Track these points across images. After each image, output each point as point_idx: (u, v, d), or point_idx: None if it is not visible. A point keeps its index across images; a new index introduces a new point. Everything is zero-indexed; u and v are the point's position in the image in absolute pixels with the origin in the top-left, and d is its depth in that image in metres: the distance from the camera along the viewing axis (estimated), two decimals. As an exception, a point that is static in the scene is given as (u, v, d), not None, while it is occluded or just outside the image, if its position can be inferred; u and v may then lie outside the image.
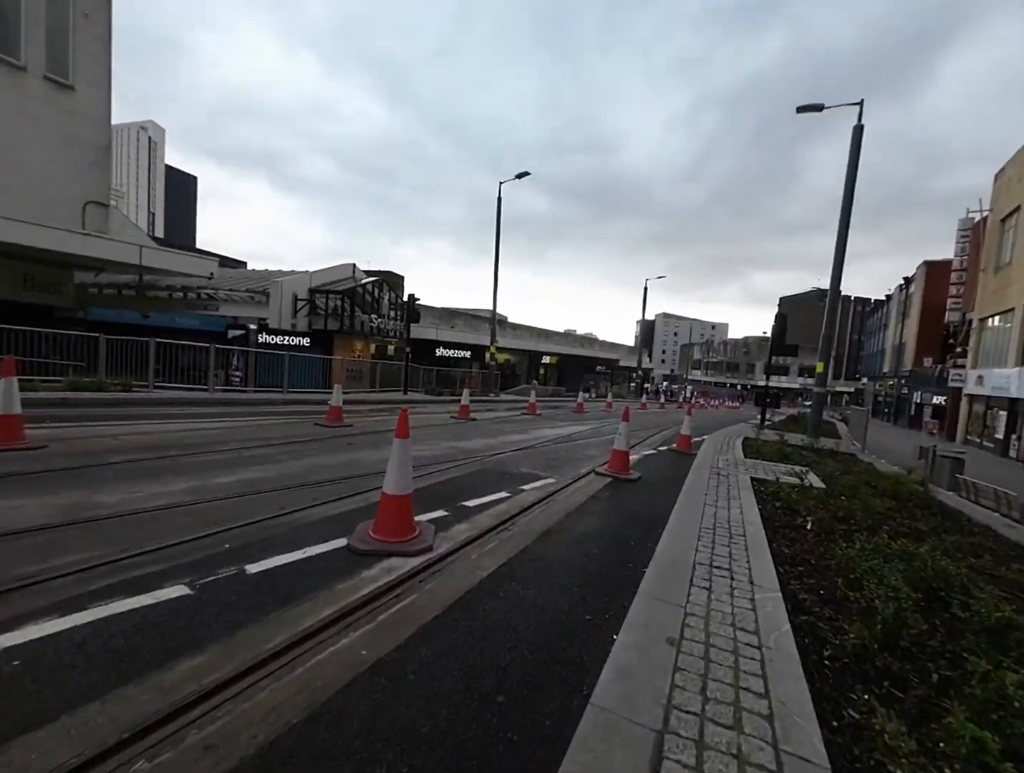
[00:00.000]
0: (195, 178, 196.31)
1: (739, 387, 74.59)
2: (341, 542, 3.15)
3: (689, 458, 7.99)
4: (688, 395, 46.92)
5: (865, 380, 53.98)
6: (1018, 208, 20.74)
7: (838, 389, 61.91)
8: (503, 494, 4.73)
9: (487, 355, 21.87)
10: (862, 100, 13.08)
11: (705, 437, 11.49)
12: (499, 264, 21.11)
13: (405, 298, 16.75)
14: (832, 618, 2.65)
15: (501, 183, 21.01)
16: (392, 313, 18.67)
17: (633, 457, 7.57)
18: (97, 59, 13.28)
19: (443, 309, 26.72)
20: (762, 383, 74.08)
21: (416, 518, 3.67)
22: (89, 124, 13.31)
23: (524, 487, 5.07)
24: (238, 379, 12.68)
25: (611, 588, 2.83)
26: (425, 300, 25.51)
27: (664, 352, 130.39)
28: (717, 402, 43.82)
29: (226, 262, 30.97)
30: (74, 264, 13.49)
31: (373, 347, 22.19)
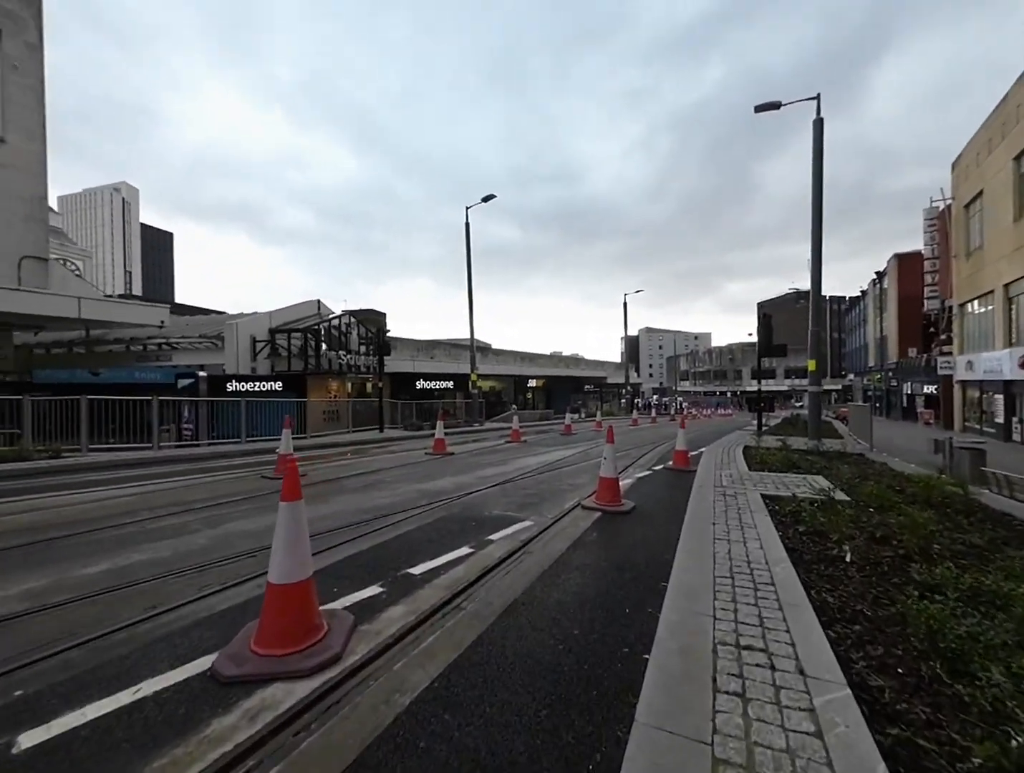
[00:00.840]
0: (171, 235, 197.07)
1: (729, 394, 74.54)
2: (208, 661, 2.17)
3: (688, 476, 7.11)
4: (679, 407, 46.40)
5: (851, 376, 54.06)
6: (980, 193, 20.91)
7: (826, 387, 61.96)
8: (464, 550, 3.78)
9: (470, 383, 21.00)
10: (818, 94, 12.95)
11: (703, 450, 10.64)
12: (473, 290, 20.55)
13: (386, 331, 15.98)
14: (933, 724, 1.74)
15: (468, 208, 20.71)
16: (364, 348, 17.80)
17: (626, 482, 6.67)
18: (29, 110, 12.67)
19: (421, 341, 25.97)
20: (751, 388, 74.24)
21: (330, 605, 2.71)
22: (22, 176, 12.58)
23: (493, 537, 4.12)
24: (189, 433, 11.60)
25: (597, 706, 1.89)
26: (408, 333, 24.74)
27: (651, 366, 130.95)
28: (709, 411, 43.26)
29: (184, 310, 30.06)
30: (9, 322, 12.50)
31: (349, 386, 21.22)
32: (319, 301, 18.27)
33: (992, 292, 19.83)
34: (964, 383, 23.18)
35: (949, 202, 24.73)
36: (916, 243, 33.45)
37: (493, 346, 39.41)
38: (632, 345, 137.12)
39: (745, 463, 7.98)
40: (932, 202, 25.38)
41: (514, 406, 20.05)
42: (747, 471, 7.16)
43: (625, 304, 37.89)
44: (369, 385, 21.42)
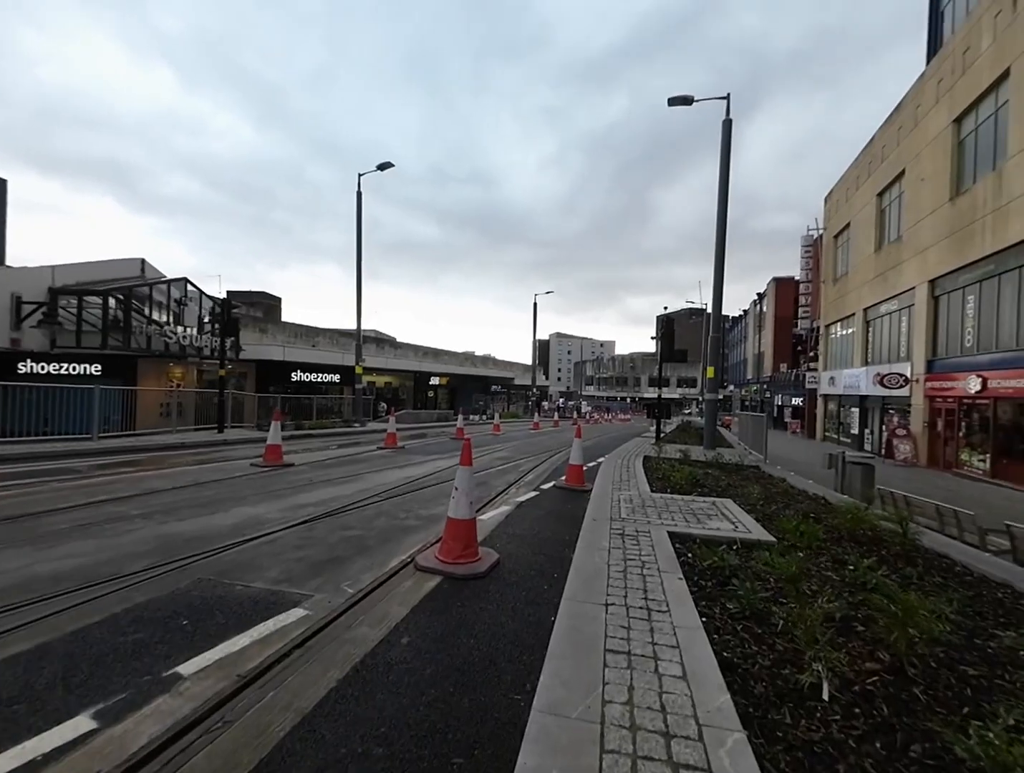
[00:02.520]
0: (3, 181, 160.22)
1: (629, 400, 78.61)
2: None
3: (582, 499, 5.66)
4: (581, 411, 47.09)
5: (732, 387, 59.48)
6: (847, 225, 23.17)
7: (705, 397, 67.74)
8: (66, 732, 1.72)
9: (355, 376, 18.26)
10: (728, 95, 12.70)
11: (602, 459, 9.47)
12: (362, 270, 17.88)
13: (234, 306, 12.71)
14: None
15: (361, 175, 18.00)
16: (212, 326, 14.28)
17: (500, 511, 4.98)
18: None
19: (301, 326, 22.43)
20: (648, 395, 78.94)
21: None
22: None
23: (187, 669, 2.09)
24: None
25: None
26: (304, 320, 21.32)
27: (560, 370, 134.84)
28: (610, 416, 44.44)
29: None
30: None
31: (196, 373, 17.28)
32: (143, 260, 14.19)
33: (853, 315, 21.96)
34: (826, 397, 25.67)
35: (821, 232, 27.38)
36: (781, 271, 37.18)
37: (398, 339, 36.44)
38: (543, 349, 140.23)
39: (646, 480, 6.78)
40: (808, 231, 28.03)
41: (383, 404, 17.67)
42: (649, 493, 5.89)
43: (535, 305, 37.29)
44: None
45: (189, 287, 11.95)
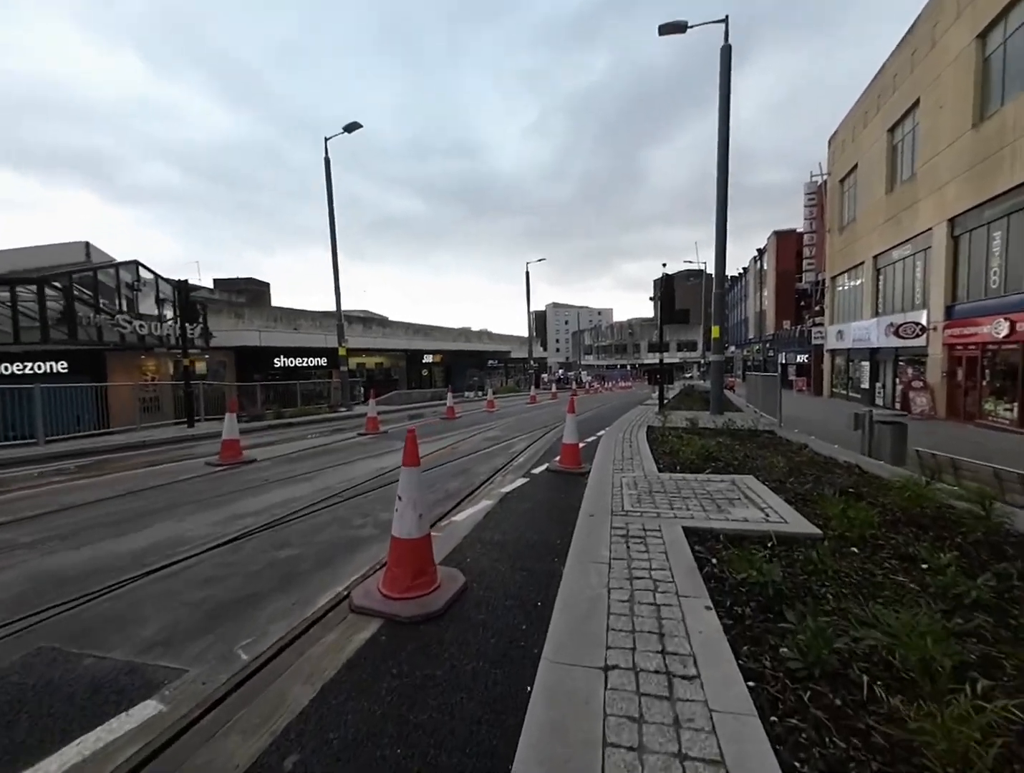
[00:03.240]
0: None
1: (629, 367, 77.75)
2: None
3: (577, 485, 4.84)
4: (580, 380, 46.24)
5: (733, 348, 58.41)
6: (854, 167, 21.66)
7: (710, 358, 66.77)
8: None
9: (339, 358, 17.29)
10: (727, 17, 11.27)
11: (601, 433, 8.63)
12: (337, 243, 16.64)
13: (193, 289, 11.65)
14: None
15: (327, 139, 16.54)
16: (172, 313, 13.16)
17: (482, 507, 4.15)
18: None
19: (281, 309, 21.31)
20: (648, 361, 77.90)
21: None
22: None
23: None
24: None
25: None
26: (294, 304, 20.30)
27: (558, 341, 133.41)
28: (611, 384, 43.64)
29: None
30: None
31: (171, 365, 16.35)
32: (87, 244, 12.96)
33: (863, 263, 20.75)
34: (833, 352, 24.70)
35: (826, 177, 25.80)
36: (778, 227, 35.51)
37: (390, 318, 35.28)
38: (540, 320, 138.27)
39: (652, 457, 5.93)
40: (811, 177, 26.41)
41: (360, 387, 16.73)
42: (656, 473, 5.05)
43: (528, 274, 35.89)
44: (202, 363, 16.76)
45: (142, 271, 10.89)
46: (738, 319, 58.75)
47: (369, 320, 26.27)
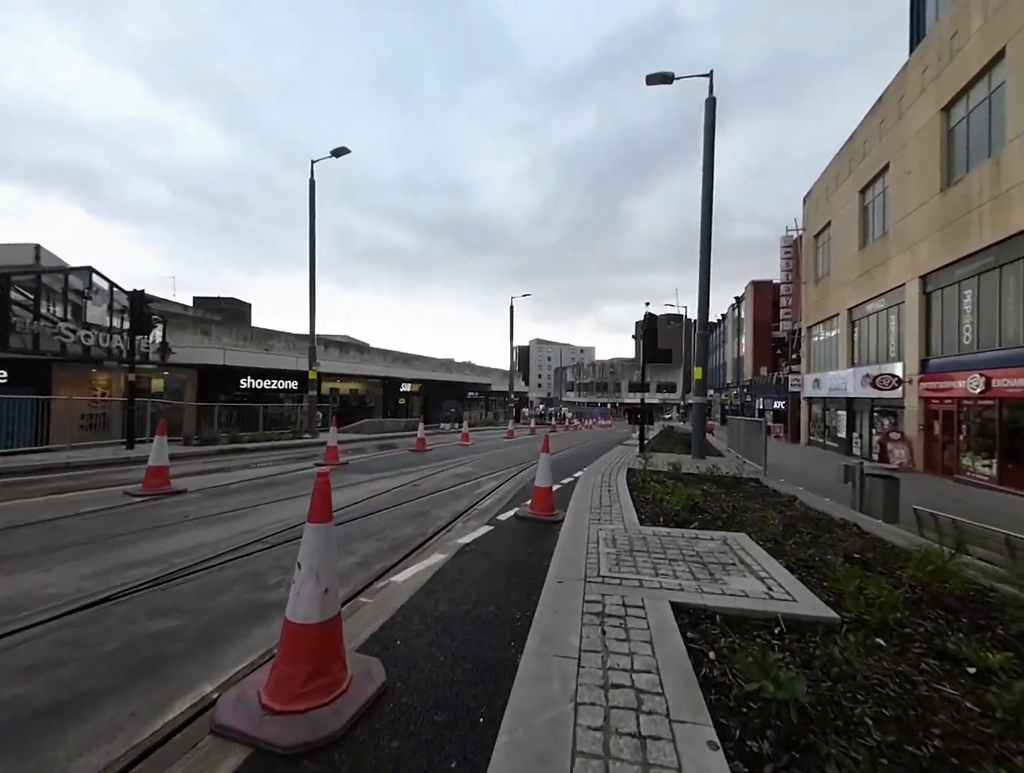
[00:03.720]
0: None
1: (609, 406, 78.09)
2: None
3: (548, 537, 4.20)
4: (560, 416, 45.85)
5: (712, 392, 59.25)
6: (828, 224, 22.60)
7: (692, 400, 67.55)
8: None
9: (309, 383, 16.43)
10: (711, 71, 11.62)
11: (578, 474, 8.04)
12: (315, 265, 16.16)
13: (149, 300, 10.86)
14: None
15: (313, 161, 16.37)
16: (119, 324, 12.16)
17: (427, 564, 3.47)
18: None
19: (253, 328, 20.48)
20: (628, 400, 78.39)
21: None
22: None
23: None
24: None
25: None
26: (279, 326, 19.56)
27: (540, 376, 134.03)
28: (591, 422, 43.32)
29: None
30: None
31: (124, 381, 15.24)
32: (38, 246, 12.19)
33: (837, 315, 21.27)
34: (810, 400, 24.96)
35: (801, 232, 26.87)
36: (754, 278, 36.81)
37: (372, 345, 34.56)
38: (523, 355, 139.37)
39: (633, 506, 5.35)
40: (787, 231, 27.51)
41: (319, 413, 15.84)
42: (637, 526, 4.46)
43: (512, 308, 36.00)
44: (160, 381, 15.71)
45: (96, 278, 10.12)
46: (716, 363, 59.96)
47: (346, 345, 25.54)
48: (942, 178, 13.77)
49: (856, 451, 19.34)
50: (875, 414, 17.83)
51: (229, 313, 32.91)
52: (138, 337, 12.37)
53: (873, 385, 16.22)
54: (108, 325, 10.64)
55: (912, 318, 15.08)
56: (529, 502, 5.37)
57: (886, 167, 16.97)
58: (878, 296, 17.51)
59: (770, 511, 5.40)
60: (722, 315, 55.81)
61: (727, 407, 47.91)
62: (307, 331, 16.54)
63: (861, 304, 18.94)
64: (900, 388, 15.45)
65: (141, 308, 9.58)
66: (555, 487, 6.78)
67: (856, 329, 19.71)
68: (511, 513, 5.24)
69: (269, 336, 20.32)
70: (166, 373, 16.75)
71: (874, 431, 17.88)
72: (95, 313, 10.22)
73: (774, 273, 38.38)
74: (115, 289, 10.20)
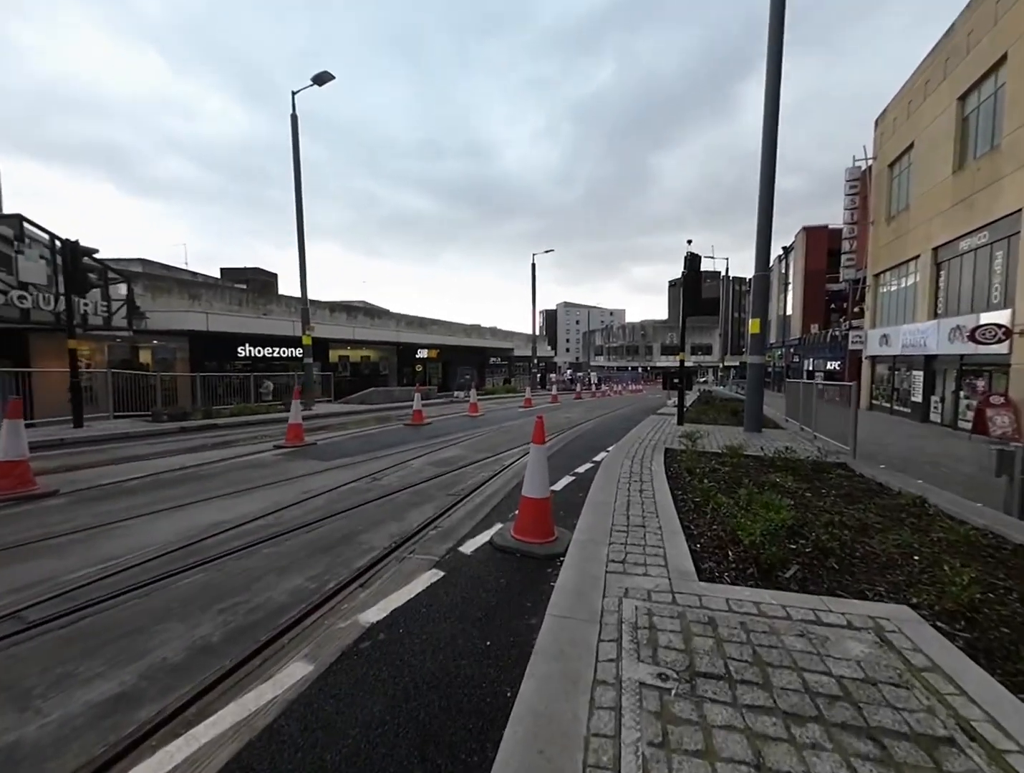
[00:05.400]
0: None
1: (640, 369, 74.87)
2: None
3: (530, 598, 2.33)
4: (592, 381, 43.57)
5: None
6: (909, 147, 18.74)
7: (726, 364, 63.56)
8: None
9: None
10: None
11: (599, 457, 6.09)
12: (303, 211, 14.26)
13: (88, 252, 9.30)
14: None
15: (294, 92, 14.18)
16: (101, 289, 10.62)
17: (269, 698, 1.57)
18: None
19: (250, 291, 19.01)
20: (660, 364, 74.78)
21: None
22: None
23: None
24: None
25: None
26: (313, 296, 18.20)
27: (568, 341, 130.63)
28: (620, 387, 40.87)
29: None
30: None
31: (107, 350, 14.13)
32: None
33: (918, 257, 17.83)
34: (875, 359, 21.76)
35: (871, 162, 22.81)
36: (789, 238, 32.47)
37: (383, 307, 32.95)
38: (551, 319, 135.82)
39: (680, 525, 3.36)
40: (855, 162, 23.36)
41: (268, 383, 13.99)
42: (694, 581, 2.48)
43: (533, 266, 33.43)
44: (147, 351, 14.51)
45: (30, 228, 8.60)
46: (757, 323, 55.44)
47: (355, 308, 23.91)
48: (1094, 58, 10.30)
49: (935, 418, 16.47)
50: (963, 374, 14.86)
51: (257, 283, 31.82)
52: (100, 300, 10.97)
53: (972, 339, 13.24)
54: (54, 286, 9.22)
55: (1031, 252, 11.91)
56: (515, 518, 3.47)
57: (1002, 59, 13.27)
58: (980, 228, 14.16)
59: (904, 531, 3.31)
60: (752, 279, 50.94)
61: (769, 369, 44.26)
62: (313, 294, 14.83)
63: (953, 241, 15.55)
64: (1007, 342, 12.47)
65: (75, 262, 7.98)
66: (566, 481, 4.86)
67: (943, 272, 16.37)
68: (487, 536, 3.37)
69: (268, 300, 18.83)
70: (155, 342, 15.57)
71: (962, 394, 14.96)
72: (33, 270, 8.78)
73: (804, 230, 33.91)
74: (56, 242, 8.68)
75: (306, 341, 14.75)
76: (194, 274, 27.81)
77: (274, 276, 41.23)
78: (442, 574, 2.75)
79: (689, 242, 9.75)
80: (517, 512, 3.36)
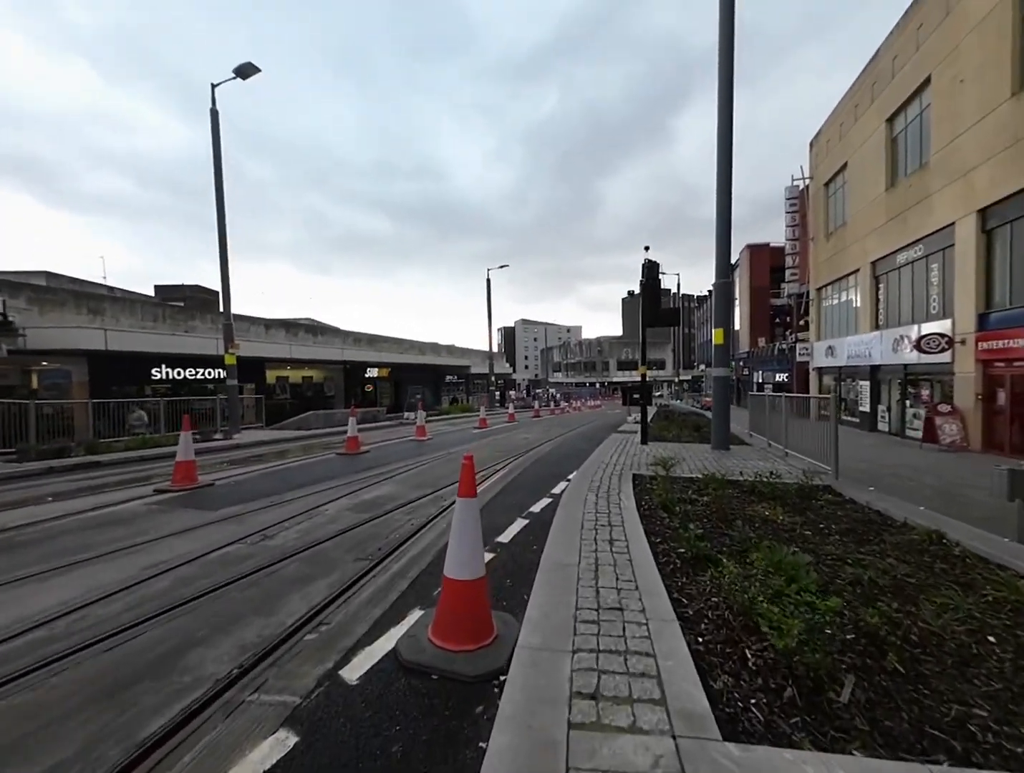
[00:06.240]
0: None
1: (597, 385, 75.56)
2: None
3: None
4: (547, 398, 43.10)
5: (703, 366, 56.95)
6: (844, 166, 19.62)
7: (680, 378, 65.14)
8: None
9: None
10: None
11: (558, 488, 5.10)
12: (224, 210, 12.73)
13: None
14: None
15: (214, 85, 12.77)
16: None
17: None
18: None
19: (168, 306, 16.96)
20: (617, 379, 75.91)
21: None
22: None
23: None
24: None
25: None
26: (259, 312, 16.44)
27: (527, 358, 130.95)
28: (579, 403, 40.57)
29: None
30: None
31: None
32: None
33: (857, 271, 18.47)
34: (821, 370, 22.37)
35: (808, 182, 23.88)
36: (731, 256, 34.01)
37: (330, 325, 31.00)
38: (509, 337, 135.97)
39: (671, 606, 2.38)
40: (793, 181, 24.45)
41: (141, 413, 12.08)
42: (716, 742, 1.49)
43: (488, 282, 32.79)
44: (34, 376, 12.30)
45: None
46: (706, 338, 57.55)
47: (295, 325, 22.08)
48: (1013, 80, 10.81)
49: (883, 427, 16.81)
50: (908, 384, 15.22)
51: (196, 301, 29.10)
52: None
53: (918, 348, 13.50)
54: None
55: (966, 264, 12.29)
56: (436, 612, 2.37)
57: (926, 81, 13.95)
58: (914, 242, 14.68)
59: (953, 592, 2.50)
60: (712, 286, 53.02)
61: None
62: (259, 312, 13.18)
63: (889, 255, 16.12)
64: (950, 351, 12.76)
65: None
66: (517, 527, 3.84)
67: (882, 285, 16.94)
68: (393, 639, 2.24)
69: (191, 315, 16.84)
70: (44, 363, 13.32)
71: (907, 403, 15.30)
72: None
73: (746, 250, 35.54)
74: None
75: (229, 360, 13.04)
76: (111, 289, 25.03)
77: (215, 293, 38.19)
78: (295, 740, 1.61)
79: (647, 249, 9.17)
80: (436, 610, 2.26)
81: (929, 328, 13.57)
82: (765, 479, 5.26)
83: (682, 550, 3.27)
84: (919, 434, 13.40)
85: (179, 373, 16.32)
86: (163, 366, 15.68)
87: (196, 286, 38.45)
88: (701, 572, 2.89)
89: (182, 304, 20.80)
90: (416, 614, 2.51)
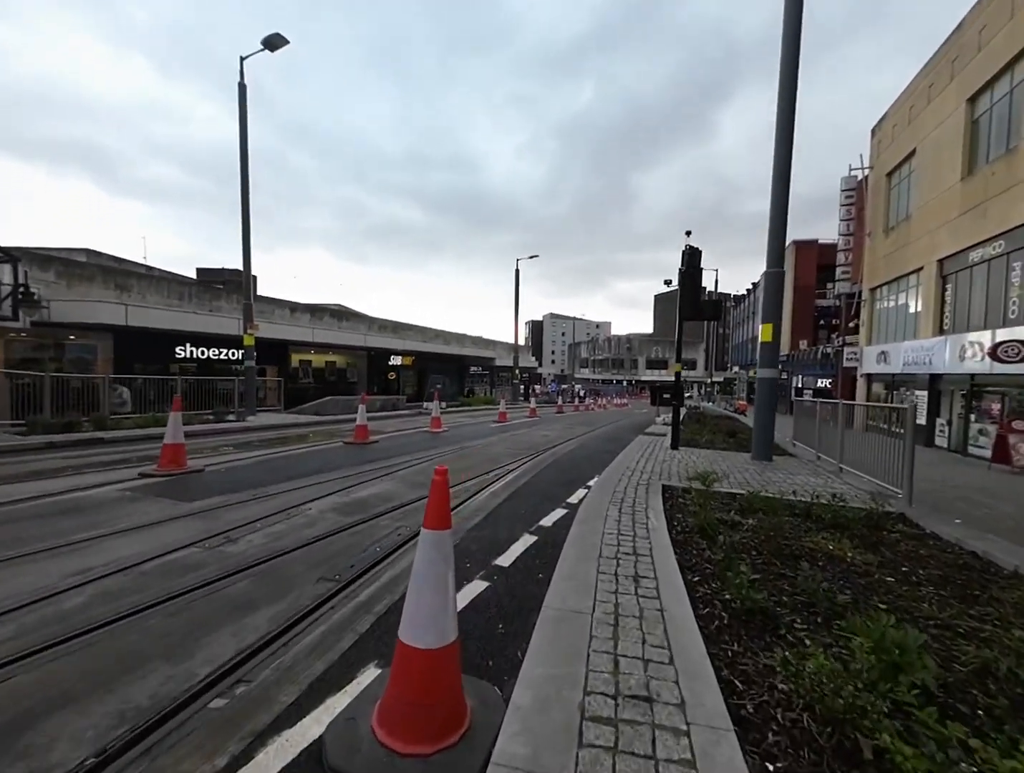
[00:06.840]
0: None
1: (625, 383, 73.93)
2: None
3: None
4: (572, 394, 42.13)
5: (736, 369, 54.68)
6: (911, 153, 17.84)
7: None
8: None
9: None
10: None
11: (576, 498, 4.40)
12: (248, 183, 12.48)
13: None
14: None
15: (243, 58, 12.45)
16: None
17: None
18: None
19: (194, 284, 16.99)
20: (645, 378, 73.87)
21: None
22: None
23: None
24: None
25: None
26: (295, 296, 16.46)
27: (554, 352, 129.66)
28: (604, 401, 39.48)
29: None
30: None
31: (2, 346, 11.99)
32: None
33: (920, 270, 16.79)
34: (871, 377, 20.67)
35: (867, 172, 21.98)
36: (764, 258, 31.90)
37: (355, 311, 30.99)
38: (536, 331, 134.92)
39: (719, 691, 1.65)
40: (851, 171, 22.52)
41: (123, 390, 11.68)
42: None
43: (517, 272, 32.07)
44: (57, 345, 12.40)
45: None
46: (742, 339, 55.14)
47: (320, 309, 21.97)
48: None
49: (941, 442, 15.26)
50: (974, 396, 13.68)
51: (234, 284, 29.73)
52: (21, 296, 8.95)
53: (993, 356, 12.02)
54: None
55: (1058, 262, 10.76)
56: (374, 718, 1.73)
57: (1020, 54, 12.29)
58: (994, 238, 13.06)
59: None
60: (752, 284, 50.70)
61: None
62: (281, 294, 12.97)
63: (962, 252, 14.47)
64: (1032, 360, 11.26)
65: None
66: (521, 546, 3.17)
67: (950, 286, 15.30)
68: (324, 723, 1.61)
69: (218, 295, 16.83)
70: (72, 337, 13.46)
71: (972, 418, 13.76)
72: None
73: (789, 255, 33.38)
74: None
75: (248, 341, 12.83)
76: (149, 268, 25.58)
77: (254, 277, 38.94)
78: None
79: (688, 234, 8.25)
80: (388, 700, 1.61)
81: (1006, 334, 12.05)
82: (824, 501, 4.40)
83: (728, 596, 2.53)
84: (985, 452, 11.99)
85: (203, 352, 16.34)
86: (187, 345, 15.71)
87: (235, 270, 39.23)
88: (755, 633, 2.15)
89: (221, 286, 21.04)
90: (369, 674, 1.87)
